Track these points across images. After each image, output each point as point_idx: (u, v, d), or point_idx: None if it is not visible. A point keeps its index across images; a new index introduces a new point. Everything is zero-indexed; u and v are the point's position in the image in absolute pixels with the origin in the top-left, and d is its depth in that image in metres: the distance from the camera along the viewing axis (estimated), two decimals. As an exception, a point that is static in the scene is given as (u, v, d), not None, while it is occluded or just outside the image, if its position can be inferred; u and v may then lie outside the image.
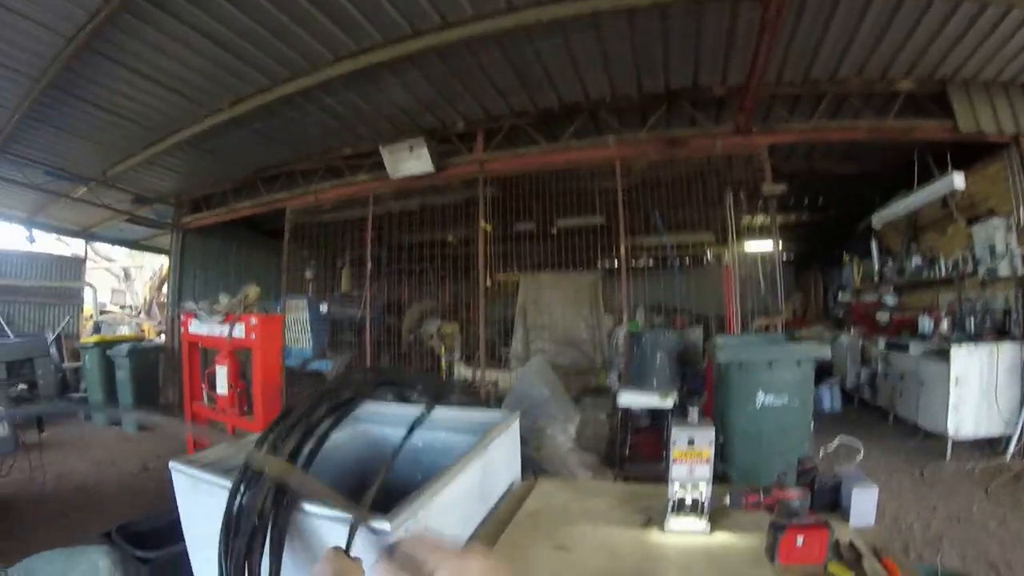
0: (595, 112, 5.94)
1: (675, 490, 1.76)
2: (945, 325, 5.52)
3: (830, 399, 6.95)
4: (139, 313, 16.38)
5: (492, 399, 5.46)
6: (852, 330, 7.28)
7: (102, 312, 13.66)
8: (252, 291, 4.70)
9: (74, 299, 11.24)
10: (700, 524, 1.76)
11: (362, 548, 1.05)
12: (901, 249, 6.83)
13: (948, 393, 4.82)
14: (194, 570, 1.58)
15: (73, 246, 12.36)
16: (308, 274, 7.54)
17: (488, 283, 5.50)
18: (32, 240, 9.71)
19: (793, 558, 1.51)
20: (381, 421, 2.21)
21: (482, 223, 5.87)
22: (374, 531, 1.11)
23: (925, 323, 5.80)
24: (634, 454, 4.46)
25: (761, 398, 3.51)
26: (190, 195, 8.85)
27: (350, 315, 7.14)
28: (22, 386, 5.91)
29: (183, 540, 1.59)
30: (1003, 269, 4.98)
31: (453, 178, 6.42)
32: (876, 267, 7.35)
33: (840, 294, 8.85)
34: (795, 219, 8.91)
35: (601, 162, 5.92)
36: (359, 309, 6.91)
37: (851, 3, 4.14)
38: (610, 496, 2.06)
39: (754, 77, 4.39)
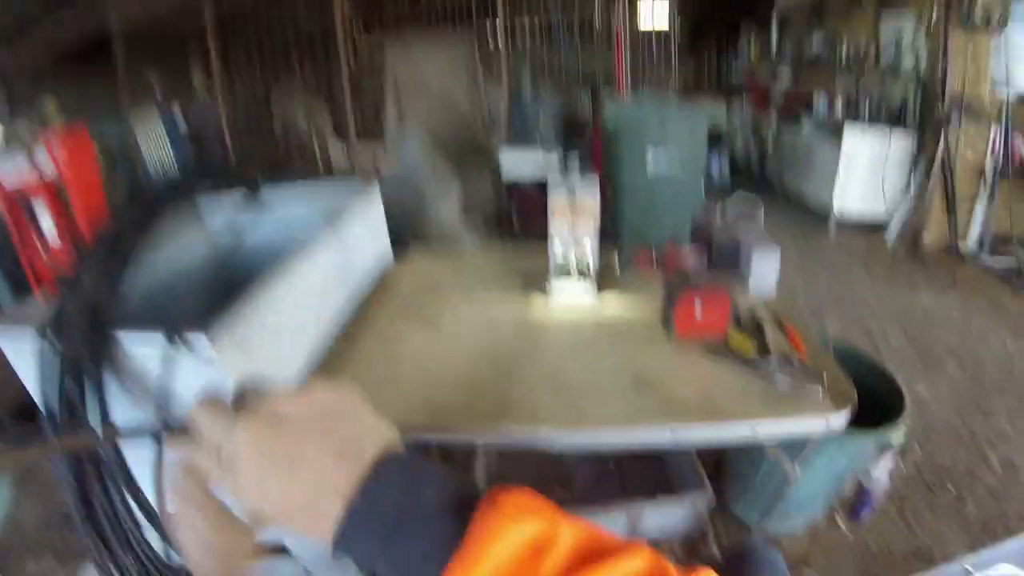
0: None
1: (556, 250, 1.47)
2: (839, 107, 5.57)
3: (719, 170, 7.11)
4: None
5: (372, 173, 5.16)
6: (745, 103, 7.29)
7: None
8: (49, 107, 3.69)
9: None
10: (587, 287, 1.52)
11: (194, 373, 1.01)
12: (803, 26, 6.70)
13: (836, 172, 4.99)
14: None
15: None
16: (158, 95, 6.24)
17: (353, 59, 4.70)
18: None
19: (692, 329, 1.31)
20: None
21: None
22: (189, 347, 1.01)
23: (821, 102, 5.82)
24: (522, 217, 4.38)
25: (652, 166, 3.35)
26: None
27: (213, 122, 6.24)
28: None
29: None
30: (907, 62, 4.99)
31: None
32: (775, 44, 7.23)
33: (734, 67, 8.74)
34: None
35: None
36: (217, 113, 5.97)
37: None
38: (490, 265, 1.81)
39: None
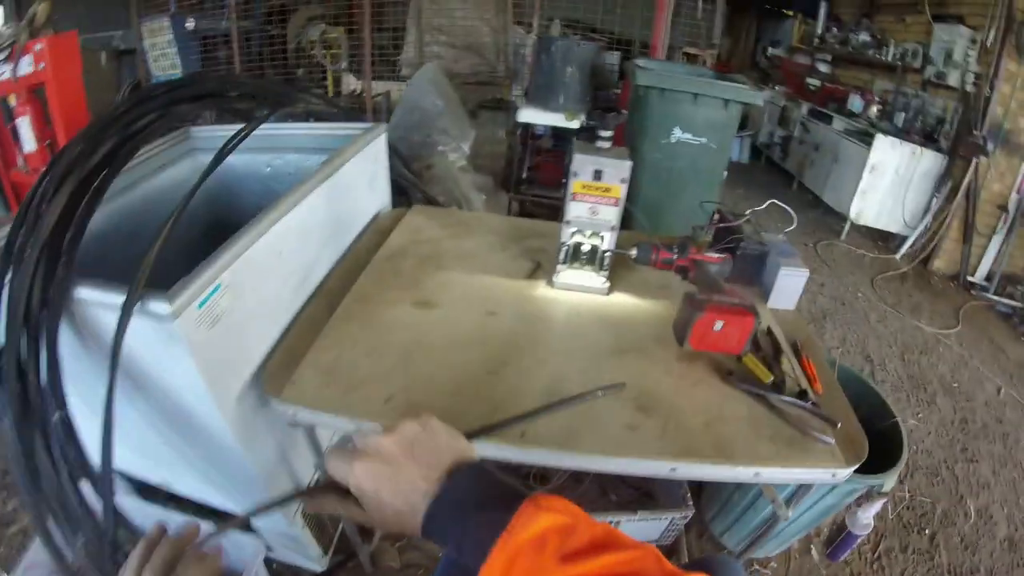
0: None
1: (569, 235, 1.32)
2: (875, 110, 5.38)
3: (739, 149, 7.03)
4: None
5: (383, 113, 4.83)
6: (777, 87, 7.07)
7: None
8: (41, 7, 3.35)
9: None
10: (598, 280, 1.38)
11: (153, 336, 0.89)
12: (851, 20, 6.43)
13: (860, 177, 4.84)
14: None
15: None
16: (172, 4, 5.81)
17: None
18: None
19: (706, 344, 1.18)
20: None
21: None
22: (152, 314, 0.87)
23: (856, 101, 5.60)
24: (533, 177, 4.18)
25: (678, 133, 3.18)
26: None
27: (224, 28, 5.81)
28: None
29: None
30: (952, 78, 4.79)
31: None
32: (820, 30, 6.94)
33: (771, 48, 8.48)
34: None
35: None
36: (233, 18, 5.53)
37: None
38: (493, 233, 1.63)
39: None
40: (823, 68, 6.69)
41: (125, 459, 1.27)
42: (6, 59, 3.51)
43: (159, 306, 0.86)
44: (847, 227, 5.22)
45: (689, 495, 1.72)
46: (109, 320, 0.88)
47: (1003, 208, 4.63)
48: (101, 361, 0.92)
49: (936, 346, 3.79)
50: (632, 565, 0.51)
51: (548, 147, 4.18)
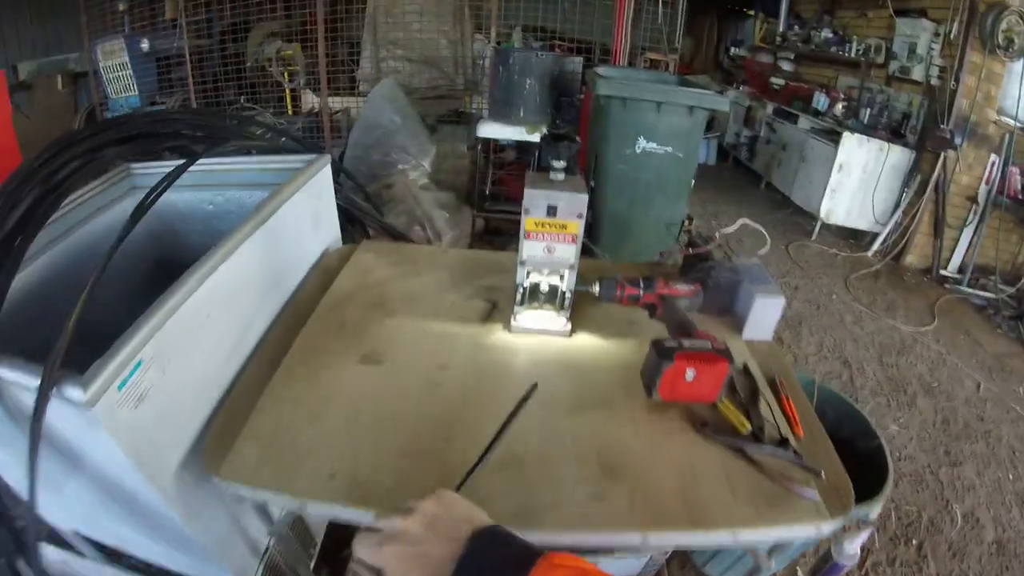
0: None
1: (525, 276, 1.21)
2: (840, 108, 5.37)
3: (706, 151, 7.01)
4: None
5: (344, 131, 4.72)
6: (741, 87, 7.07)
7: None
8: None
9: None
10: (559, 322, 1.27)
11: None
12: (813, 17, 6.46)
13: (828, 176, 4.83)
14: None
15: None
16: (121, 5, 5.59)
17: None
18: None
19: (678, 394, 1.08)
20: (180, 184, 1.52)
21: None
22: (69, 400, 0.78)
23: (821, 99, 5.60)
24: (498, 192, 4.07)
25: (643, 143, 3.08)
26: None
27: (180, 48, 5.65)
28: None
29: None
30: (916, 73, 4.81)
31: None
32: (781, 28, 6.95)
33: (733, 47, 8.49)
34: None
35: None
36: (188, 38, 5.34)
37: None
38: (445, 270, 1.50)
39: None
40: (786, 67, 6.69)
41: (79, 521, 1.20)
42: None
43: (74, 392, 0.77)
44: (817, 227, 5.20)
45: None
46: (28, 400, 0.81)
47: (972, 200, 4.64)
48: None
49: (913, 345, 3.76)
50: None
51: (512, 160, 4.07)
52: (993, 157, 4.54)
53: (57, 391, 0.79)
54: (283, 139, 2.09)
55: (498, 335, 1.25)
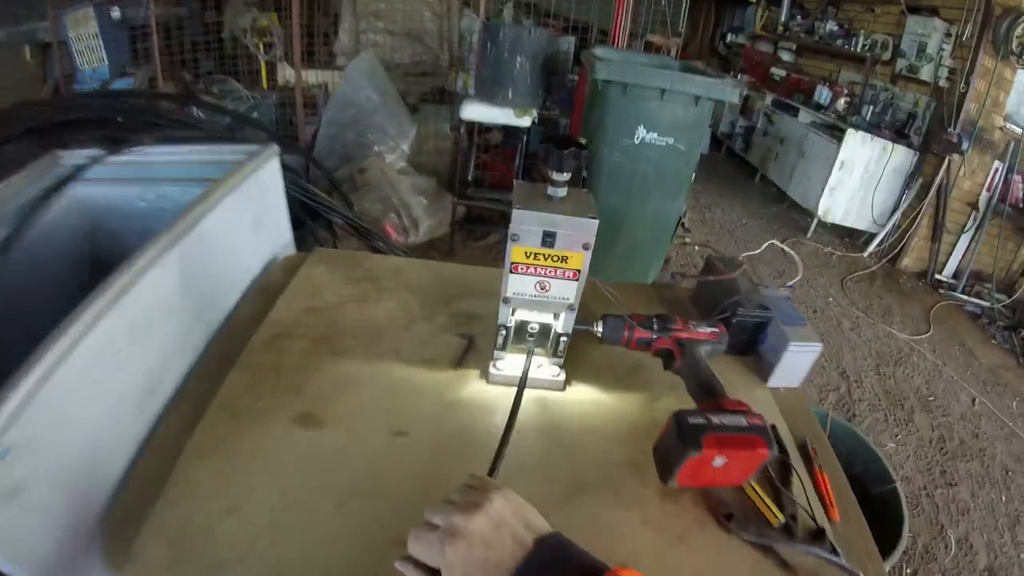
0: None
1: (509, 315, 0.94)
2: (843, 103, 5.13)
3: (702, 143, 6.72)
4: None
5: (320, 107, 4.31)
6: (739, 76, 6.77)
7: None
8: None
9: None
10: (550, 371, 1.01)
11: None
12: (817, 8, 6.17)
13: (828, 173, 4.61)
14: None
15: None
16: None
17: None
18: None
19: (699, 481, 0.84)
20: (108, 177, 1.40)
21: None
22: None
23: (823, 93, 5.32)
24: (482, 178, 3.72)
25: (642, 133, 2.80)
26: None
27: (158, 15, 5.24)
28: None
29: None
30: (925, 72, 4.57)
31: None
32: (784, 18, 6.66)
33: (731, 35, 8.18)
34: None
35: None
36: (158, 6, 4.92)
37: None
38: (412, 290, 1.21)
39: None
40: (787, 57, 6.42)
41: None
42: None
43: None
44: (813, 224, 4.99)
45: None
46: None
47: (973, 206, 4.44)
48: None
49: (910, 355, 3.58)
50: None
51: (498, 142, 3.75)
52: (997, 164, 4.34)
53: None
54: (228, 122, 1.78)
55: (473, 387, 0.98)
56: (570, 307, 0.92)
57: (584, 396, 1.01)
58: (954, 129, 4.17)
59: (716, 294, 1.20)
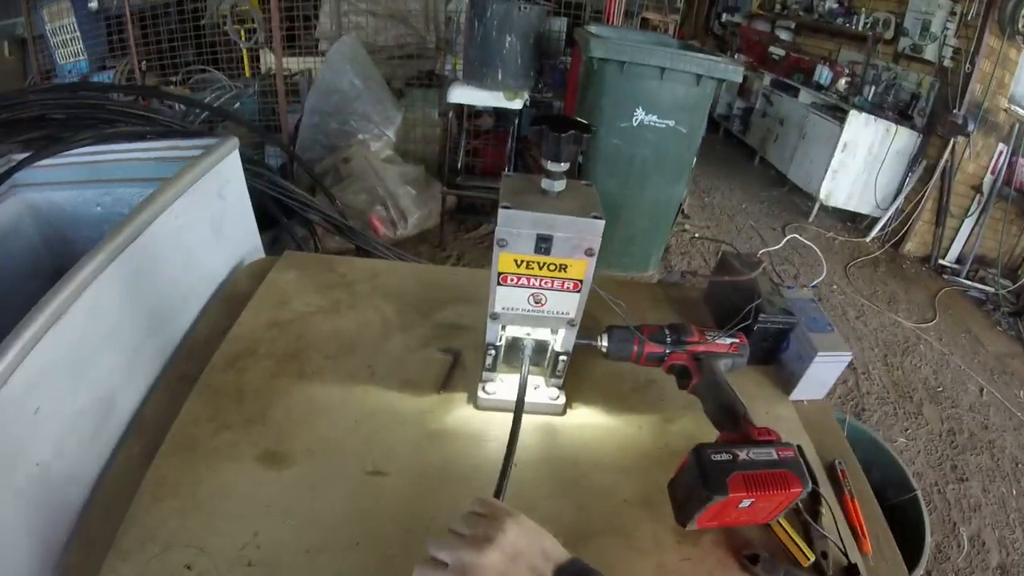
0: None
1: (498, 333, 0.82)
2: (843, 83, 4.98)
3: None
4: None
5: (303, 95, 4.14)
6: (736, 56, 6.55)
7: None
8: None
9: None
10: (547, 393, 0.89)
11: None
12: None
13: (831, 155, 4.46)
14: None
15: None
16: None
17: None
18: None
19: (722, 521, 0.74)
20: (55, 181, 1.33)
21: None
22: None
23: (824, 73, 5.17)
24: (472, 164, 3.56)
25: (641, 115, 2.67)
26: None
27: (134, 6, 5.03)
28: None
29: None
30: (929, 52, 4.43)
31: None
32: (783, -5, 6.49)
33: (726, 14, 8.01)
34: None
35: None
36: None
37: None
38: (392, 298, 1.08)
39: None
40: (785, 36, 6.26)
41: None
42: None
43: None
44: (815, 208, 4.86)
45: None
46: None
47: (977, 189, 4.33)
48: None
49: (917, 344, 3.48)
50: None
51: (489, 127, 3.60)
52: (1001, 146, 4.22)
53: None
54: (196, 113, 1.65)
55: (460, 413, 0.85)
56: (570, 323, 0.80)
57: (587, 420, 0.89)
58: (959, 111, 4.04)
59: (733, 296, 1.08)
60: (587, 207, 0.74)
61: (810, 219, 4.87)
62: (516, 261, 0.74)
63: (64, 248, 1.39)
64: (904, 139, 4.42)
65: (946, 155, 4.17)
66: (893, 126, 4.38)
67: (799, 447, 0.94)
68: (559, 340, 0.83)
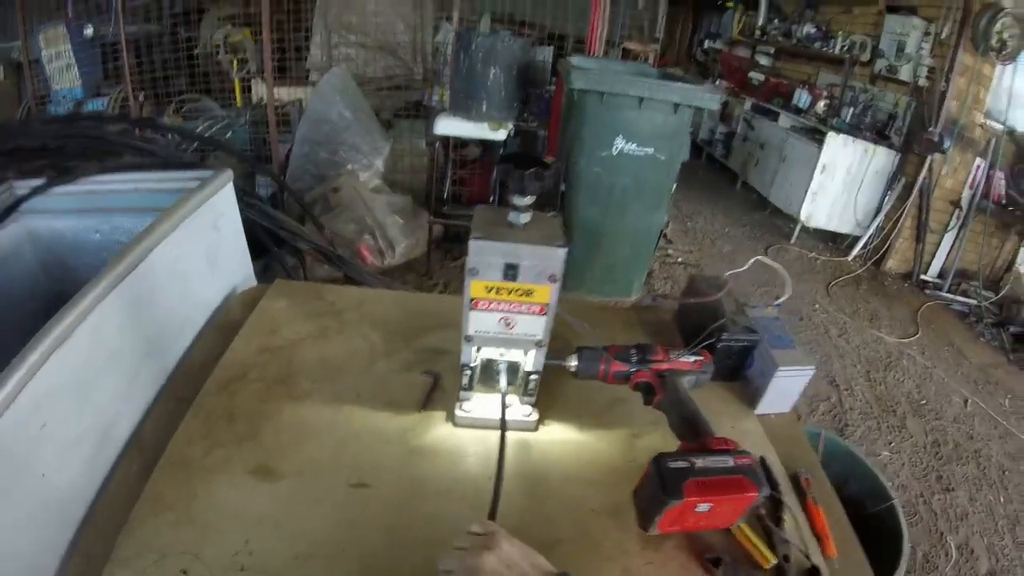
0: None
1: (473, 354, 0.88)
2: (822, 106, 5.11)
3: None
4: None
5: (294, 125, 4.22)
6: (718, 82, 6.77)
7: None
8: None
9: None
10: (521, 410, 0.94)
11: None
12: (795, 11, 6.21)
13: (810, 177, 4.58)
14: None
15: None
16: (69, 11, 5.06)
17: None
18: None
19: (683, 526, 0.79)
20: (56, 209, 1.39)
21: None
22: None
23: (802, 96, 5.32)
24: (459, 194, 3.65)
25: (620, 143, 2.74)
26: None
27: (130, 35, 5.12)
28: None
29: None
30: (904, 72, 4.58)
31: None
32: (761, 21, 6.67)
33: (708, 41, 8.21)
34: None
35: None
36: (129, 22, 4.82)
37: None
38: (376, 325, 1.14)
39: None
40: (765, 62, 6.43)
41: None
42: None
43: None
44: (797, 230, 4.97)
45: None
46: None
47: (956, 204, 4.44)
48: None
49: (899, 359, 3.54)
50: None
51: (474, 157, 3.68)
52: (979, 161, 4.34)
53: None
54: (184, 145, 1.72)
55: (439, 431, 0.91)
56: (538, 344, 0.86)
57: (558, 436, 0.95)
58: (935, 128, 4.17)
59: (699, 316, 1.15)
60: (550, 237, 0.81)
61: (792, 240, 4.97)
62: (487, 288, 0.80)
63: (64, 273, 1.45)
64: (882, 158, 4.54)
65: (924, 172, 4.28)
66: (871, 146, 4.49)
67: (763, 458, 1.01)
68: (529, 360, 0.89)
